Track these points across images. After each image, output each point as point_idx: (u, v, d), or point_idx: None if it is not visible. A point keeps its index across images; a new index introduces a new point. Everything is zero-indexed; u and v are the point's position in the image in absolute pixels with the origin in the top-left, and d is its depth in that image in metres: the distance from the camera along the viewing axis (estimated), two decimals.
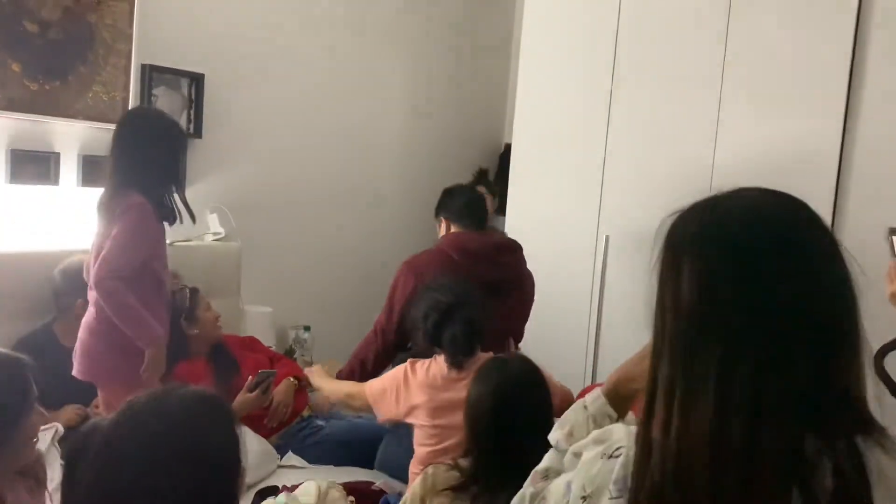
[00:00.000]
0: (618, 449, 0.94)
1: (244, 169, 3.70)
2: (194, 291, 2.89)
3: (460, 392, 1.98)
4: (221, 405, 1.19)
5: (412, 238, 4.33)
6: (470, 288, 2.36)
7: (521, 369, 1.80)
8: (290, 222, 3.91)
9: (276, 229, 3.84)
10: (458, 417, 1.89)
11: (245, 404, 2.72)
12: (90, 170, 3.03)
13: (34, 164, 2.84)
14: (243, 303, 3.52)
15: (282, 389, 2.88)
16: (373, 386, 2.44)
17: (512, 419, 1.69)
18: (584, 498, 0.94)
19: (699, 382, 0.83)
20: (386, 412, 2.39)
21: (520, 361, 1.85)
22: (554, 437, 1.18)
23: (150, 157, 2.45)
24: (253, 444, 2.67)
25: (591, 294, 3.43)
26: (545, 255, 3.44)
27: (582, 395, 2.24)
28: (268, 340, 3.48)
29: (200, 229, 3.48)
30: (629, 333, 3.08)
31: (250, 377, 2.76)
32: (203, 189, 3.54)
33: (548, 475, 1.13)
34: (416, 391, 2.29)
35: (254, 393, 2.73)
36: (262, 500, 2.40)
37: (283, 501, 2.04)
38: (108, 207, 2.44)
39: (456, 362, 2.24)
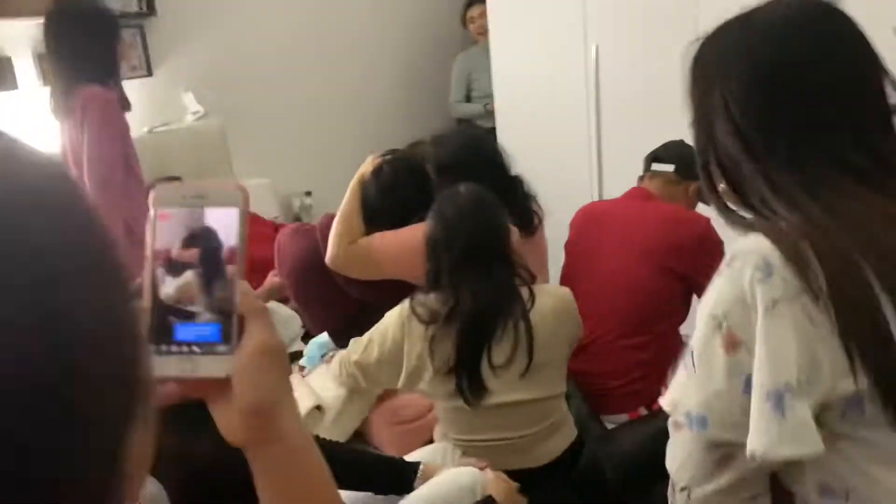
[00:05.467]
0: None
1: (211, 43, 3.52)
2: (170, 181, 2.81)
3: None
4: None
5: (404, 90, 4.18)
6: None
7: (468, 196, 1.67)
8: (273, 90, 3.76)
9: (260, 99, 3.70)
10: None
11: (273, 288, 2.73)
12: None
13: None
14: (237, 178, 3.47)
15: None
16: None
17: (460, 240, 1.60)
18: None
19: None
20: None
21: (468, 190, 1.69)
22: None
23: (92, 46, 2.31)
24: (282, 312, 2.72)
25: (587, 105, 3.30)
26: (533, 73, 3.32)
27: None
28: (272, 211, 3.45)
29: (178, 112, 3.38)
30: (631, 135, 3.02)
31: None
32: (170, 70, 3.40)
33: None
34: None
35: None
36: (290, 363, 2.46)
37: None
38: (65, 107, 2.34)
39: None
